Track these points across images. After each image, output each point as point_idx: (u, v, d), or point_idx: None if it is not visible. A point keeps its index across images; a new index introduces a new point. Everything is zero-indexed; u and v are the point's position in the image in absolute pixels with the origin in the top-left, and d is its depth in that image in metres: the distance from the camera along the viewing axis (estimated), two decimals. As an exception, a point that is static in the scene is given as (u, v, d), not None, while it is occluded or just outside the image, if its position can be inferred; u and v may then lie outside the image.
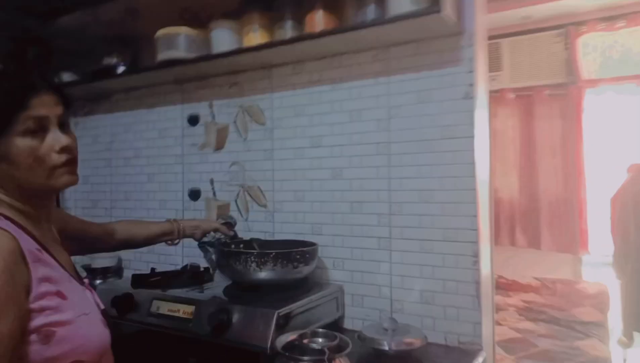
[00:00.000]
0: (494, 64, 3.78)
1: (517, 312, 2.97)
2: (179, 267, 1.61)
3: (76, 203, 2.11)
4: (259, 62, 1.56)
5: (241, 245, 1.43)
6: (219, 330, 1.20)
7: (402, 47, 1.36)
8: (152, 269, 1.58)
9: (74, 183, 0.85)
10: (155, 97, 1.89)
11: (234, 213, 1.69)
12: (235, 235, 1.45)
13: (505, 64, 3.85)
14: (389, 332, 1.20)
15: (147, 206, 1.93)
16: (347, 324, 1.44)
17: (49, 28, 1.71)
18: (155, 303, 1.36)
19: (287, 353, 0.96)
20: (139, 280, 1.48)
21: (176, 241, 1.34)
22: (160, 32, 1.58)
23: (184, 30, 1.56)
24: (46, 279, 0.76)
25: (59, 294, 0.77)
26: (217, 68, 1.63)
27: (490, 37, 1.59)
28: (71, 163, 0.83)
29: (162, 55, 1.59)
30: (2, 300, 0.68)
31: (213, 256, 1.35)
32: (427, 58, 1.33)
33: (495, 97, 3.77)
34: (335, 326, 1.40)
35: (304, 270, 1.34)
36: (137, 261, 1.87)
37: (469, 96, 1.27)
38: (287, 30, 1.42)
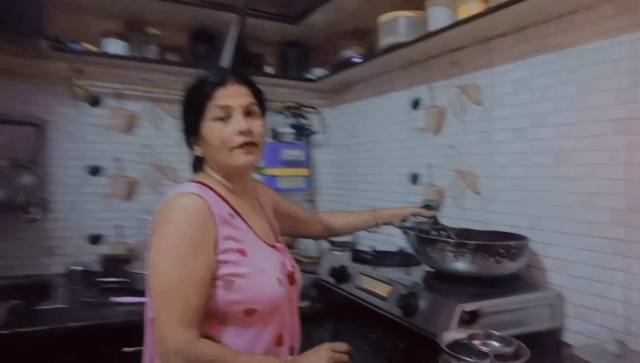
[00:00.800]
0: None
1: None
2: (395, 249, 1.65)
3: (326, 183, 2.39)
4: (477, 36, 1.44)
5: (442, 232, 1.36)
6: (406, 313, 1.21)
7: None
8: (371, 247, 1.70)
9: (248, 163, 0.96)
10: (384, 84, 1.96)
11: (448, 199, 1.62)
12: (437, 220, 1.39)
13: None
14: (612, 357, 0.97)
15: (377, 189, 2.04)
16: (568, 338, 1.20)
17: (300, 29, 1.99)
18: (361, 277, 1.46)
19: (449, 350, 0.88)
20: (356, 255, 1.63)
21: (374, 229, 1.38)
22: (381, 19, 1.63)
23: (402, 14, 1.58)
24: (231, 237, 0.91)
25: (241, 251, 0.92)
26: (436, 48, 1.58)
27: None
28: (249, 146, 0.95)
29: (385, 40, 1.64)
30: (196, 245, 0.86)
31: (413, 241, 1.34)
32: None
33: None
34: (551, 337, 1.21)
35: (509, 266, 1.19)
36: (365, 239, 1.96)
37: None
38: (505, -5, 1.25)
